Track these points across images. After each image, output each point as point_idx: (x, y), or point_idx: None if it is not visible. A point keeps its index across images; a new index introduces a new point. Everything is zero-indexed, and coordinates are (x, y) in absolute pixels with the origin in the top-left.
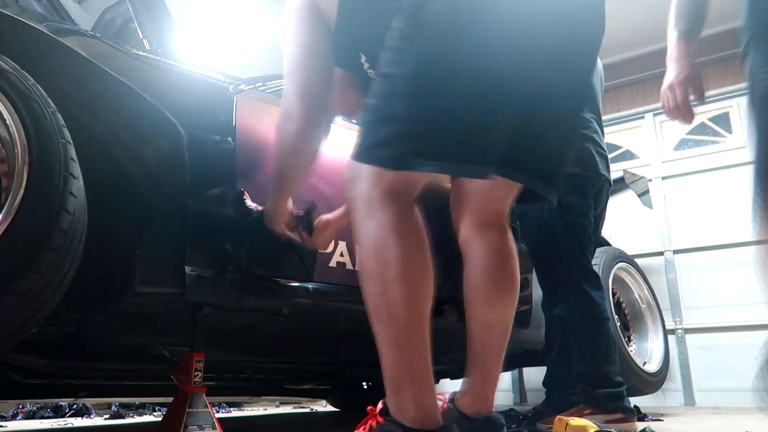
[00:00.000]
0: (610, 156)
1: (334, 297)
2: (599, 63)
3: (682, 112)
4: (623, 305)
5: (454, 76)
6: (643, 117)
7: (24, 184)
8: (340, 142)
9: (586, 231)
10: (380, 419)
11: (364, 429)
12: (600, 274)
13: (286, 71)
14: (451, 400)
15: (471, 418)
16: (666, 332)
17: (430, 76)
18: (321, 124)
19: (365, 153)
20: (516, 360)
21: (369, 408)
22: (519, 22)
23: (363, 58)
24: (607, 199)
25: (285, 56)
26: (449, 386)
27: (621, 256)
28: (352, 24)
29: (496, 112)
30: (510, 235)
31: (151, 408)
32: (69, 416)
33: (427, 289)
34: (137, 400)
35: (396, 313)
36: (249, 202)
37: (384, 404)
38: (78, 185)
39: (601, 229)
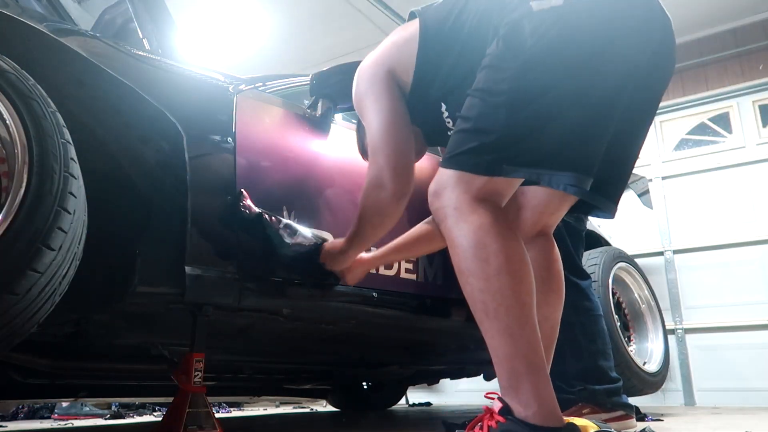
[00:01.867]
0: None
1: (333, 297)
2: None
3: None
4: (623, 305)
5: (553, 89)
6: None
7: (24, 184)
8: (340, 142)
9: (578, 231)
10: (500, 418)
11: (479, 430)
12: (600, 274)
13: (372, 143)
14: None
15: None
16: (666, 332)
17: (528, 90)
18: (411, 191)
19: (457, 159)
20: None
21: (485, 407)
22: (620, 43)
23: (443, 107)
24: None
25: (368, 127)
26: (449, 386)
27: (621, 256)
28: (433, 77)
29: (594, 126)
30: (554, 243)
31: (151, 408)
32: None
33: (530, 281)
34: (137, 400)
35: (505, 304)
36: (248, 203)
37: (502, 402)
38: (78, 185)
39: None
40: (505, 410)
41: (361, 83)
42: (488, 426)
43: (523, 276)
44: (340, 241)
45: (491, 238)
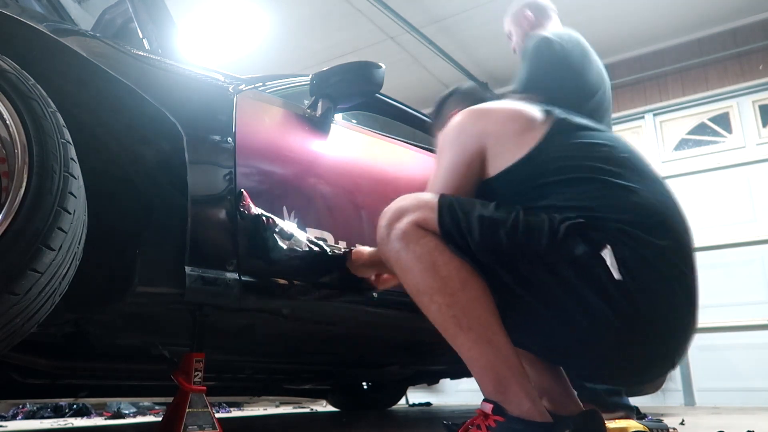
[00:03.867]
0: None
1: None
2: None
3: None
4: None
5: None
6: (643, 117)
7: (24, 184)
8: (340, 142)
9: None
10: (498, 418)
11: (476, 430)
12: None
13: (431, 183)
14: None
15: (567, 418)
16: None
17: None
18: None
19: (453, 216)
20: None
21: (478, 410)
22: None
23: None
24: None
25: (437, 169)
26: (449, 386)
27: None
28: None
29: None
30: None
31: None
32: (69, 416)
33: (489, 292)
34: (137, 400)
35: (475, 314)
36: (248, 203)
37: (493, 404)
38: (78, 185)
39: None
40: (499, 410)
41: (455, 129)
42: (486, 426)
43: (484, 287)
44: (367, 250)
45: (448, 257)
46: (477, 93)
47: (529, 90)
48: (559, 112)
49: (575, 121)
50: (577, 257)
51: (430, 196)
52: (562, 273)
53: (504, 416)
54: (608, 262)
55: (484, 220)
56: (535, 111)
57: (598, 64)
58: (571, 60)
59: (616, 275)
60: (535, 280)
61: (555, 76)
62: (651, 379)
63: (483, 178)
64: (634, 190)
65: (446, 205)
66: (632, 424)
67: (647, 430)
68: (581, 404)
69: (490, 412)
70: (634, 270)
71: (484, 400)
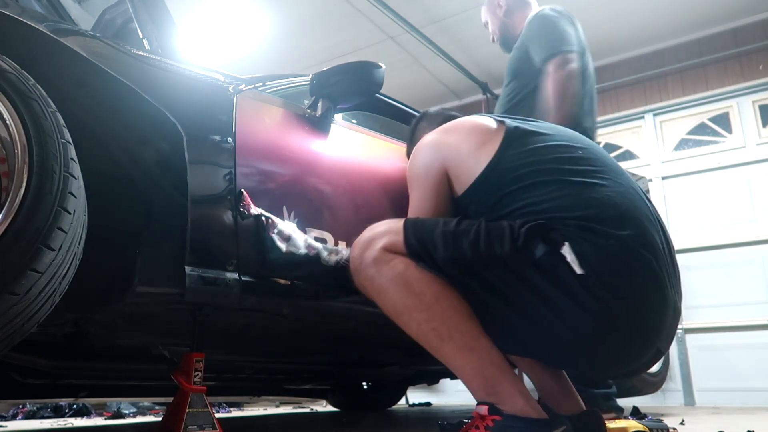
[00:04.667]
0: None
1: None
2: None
3: None
4: None
5: None
6: (643, 117)
7: (24, 184)
8: (340, 142)
9: None
10: (495, 417)
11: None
12: None
13: (410, 212)
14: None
15: (564, 415)
16: None
17: None
18: None
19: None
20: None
21: (474, 413)
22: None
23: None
24: None
25: (410, 204)
26: (449, 386)
27: None
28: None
29: None
30: None
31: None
32: (69, 416)
33: (464, 300)
34: (137, 400)
35: (453, 324)
36: (248, 203)
37: (488, 405)
38: (78, 185)
39: None
40: (495, 410)
41: (415, 162)
42: (484, 427)
43: (458, 296)
44: None
45: (418, 274)
46: (444, 115)
47: (564, 49)
48: (510, 122)
49: (527, 127)
50: (539, 259)
51: (395, 222)
52: (528, 276)
53: (501, 415)
54: (568, 258)
55: (446, 235)
56: (487, 123)
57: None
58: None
59: (578, 270)
60: (504, 287)
61: (568, 31)
62: (639, 368)
63: (454, 197)
64: (591, 185)
65: (410, 226)
66: (632, 424)
67: (647, 429)
68: (582, 404)
69: (486, 413)
70: (595, 263)
71: (478, 404)
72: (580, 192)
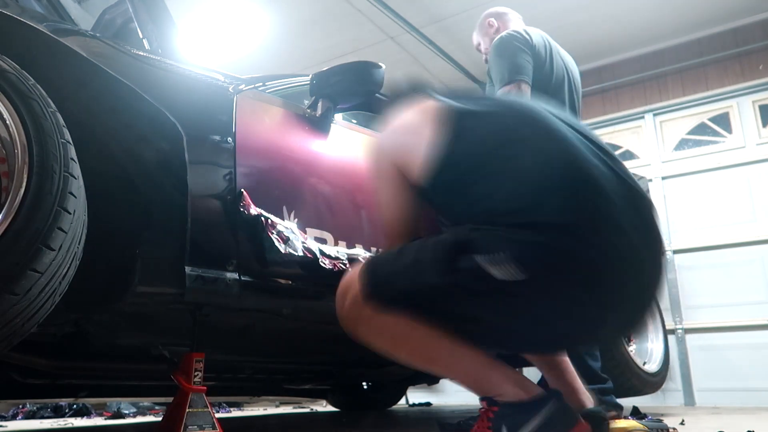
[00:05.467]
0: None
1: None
2: (576, 70)
3: None
4: None
5: None
6: (643, 117)
7: (24, 184)
8: (340, 142)
9: None
10: (494, 408)
11: (482, 423)
12: None
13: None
14: None
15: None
16: (666, 332)
17: None
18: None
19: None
20: (511, 362)
21: (480, 410)
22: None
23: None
24: None
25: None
26: (449, 386)
27: None
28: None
29: None
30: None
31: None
32: (69, 416)
33: (430, 323)
34: (137, 400)
35: (433, 348)
36: (248, 203)
37: (486, 399)
38: (78, 185)
39: None
40: (492, 402)
41: (370, 169)
42: (487, 418)
43: (423, 324)
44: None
45: (383, 318)
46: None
47: (514, 79)
48: (446, 102)
49: (458, 107)
50: (467, 271)
51: (356, 269)
52: (467, 287)
53: (497, 405)
54: (500, 275)
55: (390, 276)
56: (419, 114)
57: (562, 59)
58: (536, 51)
59: (520, 277)
60: (455, 305)
61: (528, 62)
62: (611, 334)
63: (419, 187)
64: (527, 170)
65: (363, 277)
66: (632, 424)
67: (648, 430)
68: (591, 399)
69: (486, 407)
70: (537, 266)
71: (480, 399)
72: (511, 186)
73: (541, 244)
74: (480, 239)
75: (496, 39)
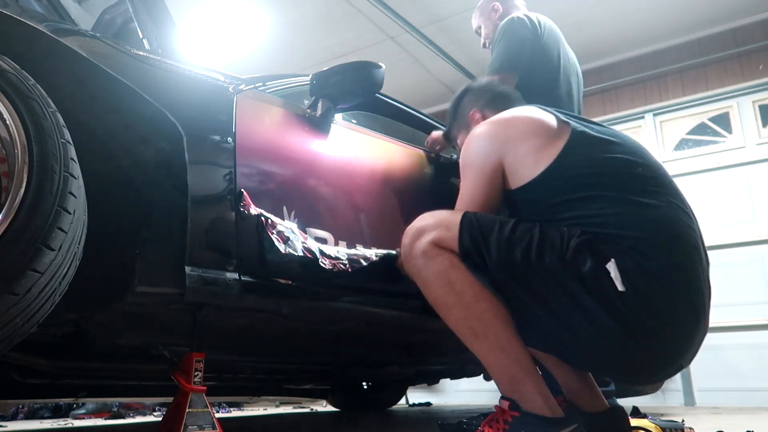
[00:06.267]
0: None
1: (333, 297)
2: (579, 69)
3: None
4: None
5: None
6: (643, 117)
7: (24, 184)
8: (340, 142)
9: None
10: (514, 413)
11: (497, 425)
12: None
13: (458, 206)
14: (565, 400)
15: (591, 414)
16: None
17: None
18: None
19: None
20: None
21: (495, 406)
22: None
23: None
24: None
25: (461, 190)
26: (449, 386)
27: None
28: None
29: None
30: None
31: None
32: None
33: (501, 303)
34: (137, 400)
35: (489, 324)
36: (248, 203)
37: (509, 401)
38: (78, 185)
39: None
40: (515, 406)
41: (471, 150)
42: (503, 420)
43: (496, 299)
44: None
45: (461, 273)
46: (493, 92)
47: (504, 70)
48: (575, 124)
49: (592, 134)
50: (585, 272)
51: (448, 216)
52: (571, 286)
53: (519, 412)
54: (612, 275)
55: (501, 242)
56: (552, 122)
57: (568, 52)
58: (545, 40)
59: (620, 287)
60: (545, 291)
61: (528, 55)
62: (657, 379)
63: (505, 189)
64: (646, 206)
65: (466, 225)
66: (646, 423)
67: (660, 429)
68: (606, 402)
69: (507, 408)
70: (638, 282)
71: (501, 398)
72: (635, 212)
73: (659, 270)
74: (610, 246)
75: (506, 20)
